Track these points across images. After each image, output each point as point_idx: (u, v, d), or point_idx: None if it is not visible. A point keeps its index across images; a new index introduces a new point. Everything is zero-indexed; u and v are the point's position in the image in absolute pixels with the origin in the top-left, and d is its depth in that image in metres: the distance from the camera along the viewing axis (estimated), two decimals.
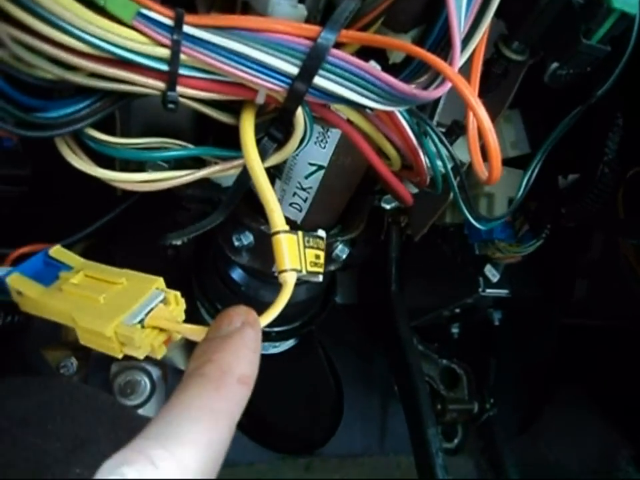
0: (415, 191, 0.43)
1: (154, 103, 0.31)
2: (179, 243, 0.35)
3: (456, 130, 0.40)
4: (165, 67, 0.27)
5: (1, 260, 0.39)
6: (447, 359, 0.83)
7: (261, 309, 0.68)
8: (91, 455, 0.63)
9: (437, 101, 0.41)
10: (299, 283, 0.58)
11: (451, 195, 0.49)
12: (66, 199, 0.60)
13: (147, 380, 0.74)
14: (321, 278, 0.33)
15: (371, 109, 0.30)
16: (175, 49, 0.26)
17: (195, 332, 0.27)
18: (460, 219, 0.59)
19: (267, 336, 0.61)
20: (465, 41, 0.29)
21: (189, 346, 0.73)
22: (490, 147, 0.27)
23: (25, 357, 0.69)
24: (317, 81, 0.27)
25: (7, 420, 0.58)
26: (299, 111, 0.30)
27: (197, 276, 0.62)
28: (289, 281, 0.29)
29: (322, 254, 0.33)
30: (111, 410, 0.68)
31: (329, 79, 0.28)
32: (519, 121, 0.53)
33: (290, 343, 0.65)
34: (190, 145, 0.34)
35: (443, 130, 0.39)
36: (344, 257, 0.52)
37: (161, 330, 0.27)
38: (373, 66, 0.28)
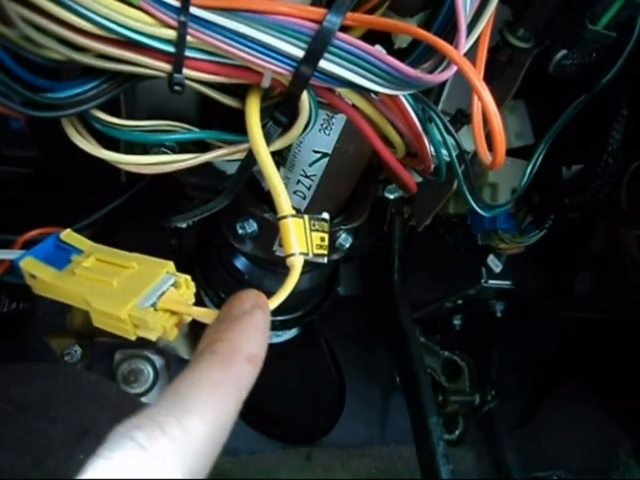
0: (419, 180, 0.43)
1: (160, 85, 0.31)
2: (183, 225, 0.35)
3: (460, 119, 0.40)
4: (171, 49, 0.27)
5: (7, 244, 0.39)
6: (449, 351, 0.84)
7: None
8: (94, 441, 0.63)
9: (442, 88, 0.41)
10: (303, 271, 0.59)
11: (454, 184, 0.49)
12: (71, 187, 0.60)
13: (150, 368, 0.75)
14: (325, 260, 0.33)
15: (376, 93, 0.30)
16: (182, 31, 0.26)
17: (206, 314, 0.27)
18: (463, 209, 0.59)
19: (270, 325, 0.61)
20: (471, 26, 0.29)
21: (193, 335, 0.74)
22: (495, 131, 0.27)
23: (30, 344, 0.69)
24: (323, 64, 0.28)
25: (11, 405, 0.58)
26: (304, 95, 0.30)
27: (200, 265, 0.62)
28: (297, 264, 0.30)
29: (326, 236, 0.33)
30: (114, 397, 0.69)
31: (334, 62, 0.28)
32: (524, 111, 0.53)
33: (292, 332, 0.65)
34: (195, 129, 0.34)
35: (448, 118, 0.39)
36: (347, 245, 0.52)
37: (173, 312, 0.28)
38: (379, 50, 0.28)
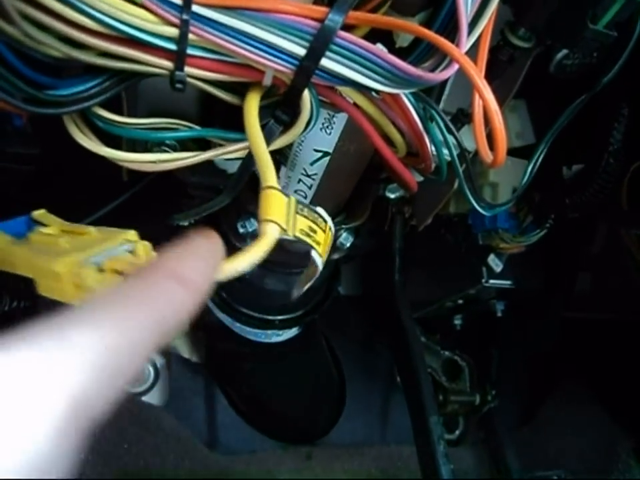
0: (420, 179, 0.43)
1: (161, 83, 0.31)
2: (185, 223, 0.35)
3: (461, 118, 0.40)
4: (173, 47, 0.27)
5: None
6: (449, 351, 0.84)
7: (266, 297, 0.68)
8: (95, 440, 0.63)
9: (443, 87, 0.42)
10: (303, 271, 0.59)
11: (455, 184, 0.49)
12: (72, 185, 0.60)
13: (150, 368, 0.75)
14: (314, 254, 0.31)
15: (378, 91, 0.30)
16: (184, 29, 0.26)
17: None
18: (464, 208, 0.59)
19: (271, 324, 0.61)
20: (472, 24, 0.29)
21: (193, 335, 0.74)
22: (496, 129, 0.27)
23: None
24: (324, 62, 0.28)
25: None
26: (306, 94, 0.31)
27: None
28: (269, 231, 0.26)
29: (320, 231, 0.31)
30: None
31: (336, 60, 0.28)
32: (525, 111, 0.53)
33: (293, 331, 0.65)
34: (196, 126, 0.34)
35: (449, 117, 0.39)
36: (348, 245, 0.52)
37: (121, 275, 0.24)
38: (381, 48, 0.28)
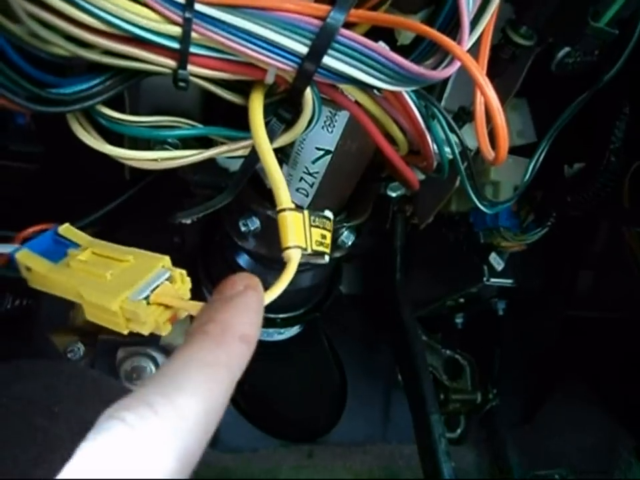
0: (422, 177, 0.43)
1: (164, 81, 0.32)
2: (188, 221, 0.35)
3: (463, 116, 0.40)
4: (176, 45, 0.27)
5: (9, 240, 0.39)
6: (451, 350, 0.84)
7: None
8: None
9: (444, 86, 0.42)
10: (305, 269, 0.59)
11: (457, 182, 0.49)
12: (75, 184, 0.60)
13: (152, 366, 0.75)
14: (327, 258, 0.33)
15: (380, 89, 0.31)
16: (187, 27, 0.26)
17: (199, 308, 0.27)
18: (465, 207, 0.60)
19: (272, 322, 0.62)
20: (474, 22, 0.29)
21: None
22: (497, 126, 0.27)
23: (33, 341, 0.69)
24: (326, 60, 0.28)
25: (15, 402, 0.58)
26: (308, 91, 0.31)
27: (203, 262, 0.63)
28: (294, 257, 0.29)
29: (328, 234, 0.33)
30: (117, 394, 0.69)
31: (338, 58, 0.28)
32: (526, 109, 0.53)
33: (295, 330, 0.66)
34: (199, 125, 0.34)
35: (451, 115, 0.39)
36: (349, 243, 0.52)
37: (167, 307, 0.27)
38: (382, 46, 0.28)
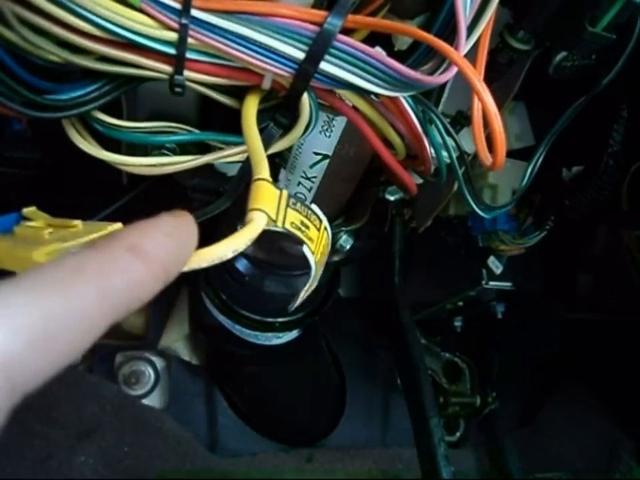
0: (419, 181, 0.43)
1: (160, 87, 0.32)
2: None
3: (460, 120, 0.40)
4: (172, 51, 0.27)
5: None
6: (450, 353, 0.84)
7: (266, 299, 0.68)
8: (95, 443, 0.63)
9: (442, 90, 0.42)
10: (304, 273, 0.59)
11: (455, 186, 0.49)
12: (72, 189, 0.60)
13: (151, 370, 0.75)
14: (306, 249, 0.31)
15: (377, 94, 0.30)
16: (183, 33, 0.26)
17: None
18: (464, 210, 0.59)
19: (271, 326, 0.61)
20: (471, 27, 0.29)
21: (194, 337, 0.74)
22: (495, 131, 0.27)
23: None
24: (323, 66, 0.28)
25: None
26: (305, 97, 0.31)
27: None
28: (256, 219, 0.26)
29: (312, 226, 0.31)
30: (115, 399, 0.69)
31: (335, 64, 0.28)
32: (524, 113, 0.53)
33: (293, 334, 0.65)
34: (196, 130, 0.34)
35: (448, 120, 0.39)
36: (348, 247, 0.52)
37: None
38: (379, 52, 0.28)
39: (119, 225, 0.24)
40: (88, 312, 0.16)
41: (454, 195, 0.52)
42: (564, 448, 0.76)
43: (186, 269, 0.22)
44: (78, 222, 0.26)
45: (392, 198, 0.53)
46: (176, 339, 0.73)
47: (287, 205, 0.28)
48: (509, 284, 0.65)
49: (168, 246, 0.19)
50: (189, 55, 0.27)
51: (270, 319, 0.61)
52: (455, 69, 0.28)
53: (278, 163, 0.46)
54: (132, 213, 0.56)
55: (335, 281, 0.66)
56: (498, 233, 0.58)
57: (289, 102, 0.31)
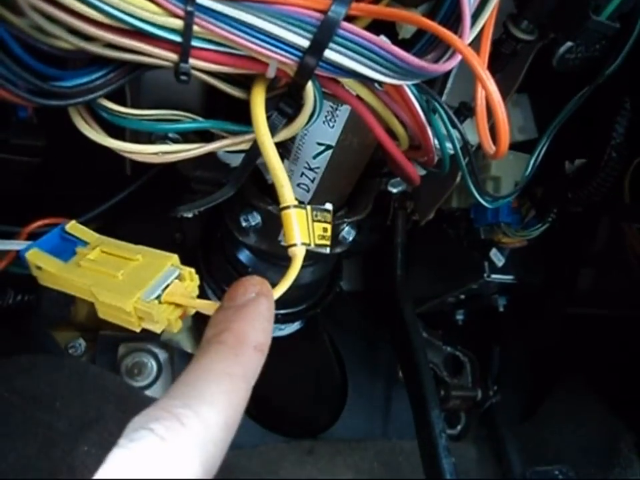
0: (422, 172, 0.43)
1: (164, 76, 0.32)
2: (189, 215, 0.35)
3: (464, 111, 0.40)
4: (178, 39, 0.27)
5: (13, 235, 0.39)
6: (451, 346, 0.84)
7: None
8: (98, 433, 0.64)
9: (445, 81, 0.42)
10: (306, 265, 0.59)
11: (458, 178, 0.49)
12: (76, 180, 0.61)
13: (153, 362, 0.75)
14: (328, 250, 0.33)
15: (381, 83, 0.31)
16: (188, 20, 0.26)
17: (210, 307, 0.28)
18: (466, 203, 0.60)
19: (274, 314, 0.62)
20: (475, 16, 0.29)
21: (196, 329, 0.74)
22: (498, 119, 0.28)
23: (35, 337, 0.69)
24: (328, 54, 0.28)
25: (17, 396, 0.59)
26: (309, 86, 0.31)
27: (204, 258, 0.63)
28: (299, 254, 0.30)
29: (329, 227, 0.33)
30: (118, 390, 0.69)
31: (339, 52, 0.28)
32: (527, 105, 0.53)
33: (295, 326, 0.66)
34: (200, 118, 0.34)
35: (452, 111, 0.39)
36: (350, 239, 0.53)
37: (177, 305, 0.28)
38: (384, 40, 0.28)
39: (175, 257, 0.30)
40: (244, 407, 0.23)
41: (456, 187, 0.52)
42: (564, 441, 0.77)
43: None
44: (136, 252, 0.31)
45: (394, 190, 0.54)
46: (178, 331, 0.74)
47: (313, 220, 0.32)
48: (510, 277, 0.65)
49: (270, 330, 0.26)
50: (194, 43, 0.27)
51: None
52: (458, 57, 0.28)
53: (281, 153, 0.46)
54: (135, 204, 0.56)
55: (336, 273, 0.66)
56: (500, 225, 0.58)
57: (293, 91, 0.31)
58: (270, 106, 0.33)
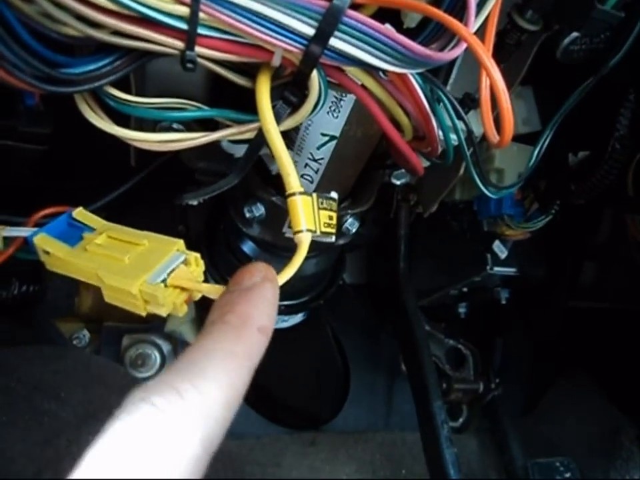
0: (426, 164, 0.43)
1: (168, 65, 0.32)
2: (194, 202, 0.35)
3: (468, 102, 0.40)
4: (184, 26, 0.27)
5: (20, 224, 0.40)
6: (454, 339, 0.84)
7: None
8: (101, 422, 0.64)
9: (449, 71, 0.42)
10: (309, 256, 0.59)
11: (461, 170, 0.49)
12: (80, 171, 0.61)
13: (157, 353, 0.76)
14: (333, 238, 0.33)
15: (386, 71, 0.31)
16: (194, 8, 0.26)
17: (215, 290, 0.28)
18: (469, 195, 0.60)
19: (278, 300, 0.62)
20: (480, 5, 0.29)
21: (199, 320, 0.75)
22: (503, 108, 0.28)
23: (39, 327, 0.70)
24: (333, 42, 0.28)
25: (22, 386, 0.59)
26: (314, 74, 0.31)
27: (207, 249, 0.63)
28: (304, 241, 0.30)
29: (334, 215, 0.34)
30: (121, 381, 0.70)
31: (344, 40, 0.28)
32: (531, 97, 0.53)
33: (298, 317, 0.66)
34: (205, 107, 0.35)
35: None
36: (353, 230, 0.53)
37: (182, 289, 0.28)
38: (389, 28, 0.28)
39: (180, 243, 0.30)
40: (245, 387, 0.23)
41: (459, 179, 0.52)
42: (566, 434, 0.77)
43: None
44: (142, 238, 0.31)
45: (398, 182, 0.54)
46: (182, 323, 0.74)
47: (318, 207, 0.32)
48: (513, 269, 0.65)
49: (273, 314, 0.26)
50: (200, 31, 0.27)
51: None
52: (464, 46, 0.28)
53: (285, 144, 0.46)
54: (139, 195, 0.56)
55: (340, 265, 0.67)
56: (503, 217, 0.58)
57: (298, 79, 0.31)
58: (275, 95, 0.33)
